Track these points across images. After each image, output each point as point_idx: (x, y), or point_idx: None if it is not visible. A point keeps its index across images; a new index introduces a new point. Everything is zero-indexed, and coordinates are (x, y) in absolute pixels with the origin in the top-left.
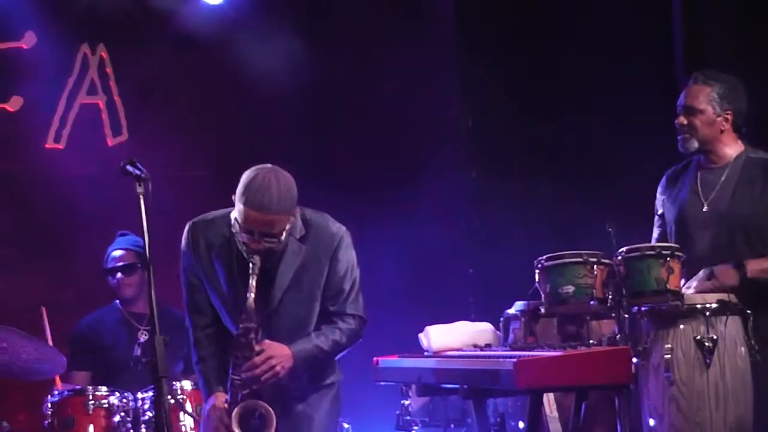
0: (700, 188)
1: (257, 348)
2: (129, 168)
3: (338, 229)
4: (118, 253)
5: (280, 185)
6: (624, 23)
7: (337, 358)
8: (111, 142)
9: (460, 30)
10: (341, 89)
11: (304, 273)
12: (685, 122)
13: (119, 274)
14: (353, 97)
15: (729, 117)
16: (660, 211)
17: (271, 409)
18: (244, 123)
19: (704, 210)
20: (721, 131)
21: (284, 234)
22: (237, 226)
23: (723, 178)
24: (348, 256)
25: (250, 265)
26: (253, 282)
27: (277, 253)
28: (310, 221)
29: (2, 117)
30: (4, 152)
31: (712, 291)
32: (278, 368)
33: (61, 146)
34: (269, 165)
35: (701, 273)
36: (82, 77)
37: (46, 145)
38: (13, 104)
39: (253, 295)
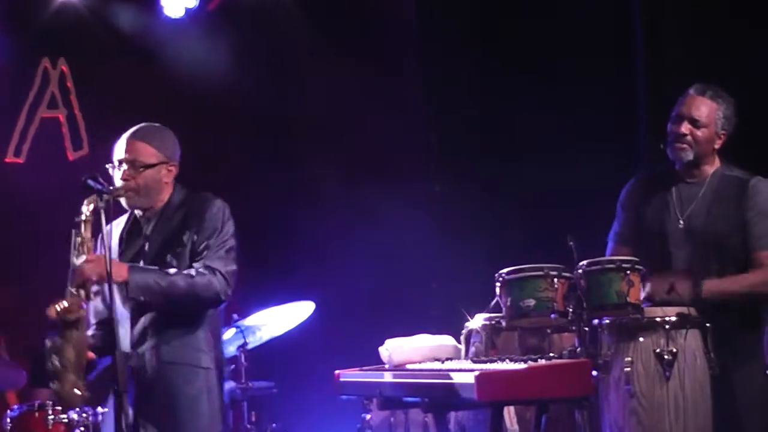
0: (676, 203)
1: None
2: (90, 182)
3: (214, 198)
4: None
5: (154, 125)
6: (586, 37)
7: (184, 305)
8: (72, 156)
9: (423, 45)
10: (304, 105)
11: (176, 235)
12: (688, 132)
13: None
14: (317, 114)
15: (723, 138)
16: (623, 217)
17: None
18: (205, 137)
19: (680, 226)
20: (714, 150)
21: (147, 178)
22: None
23: (700, 195)
24: (218, 215)
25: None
26: (115, 185)
27: (137, 203)
28: (191, 194)
29: None
30: None
31: (670, 303)
32: (102, 268)
33: (21, 160)
34: None
35: (662, 285)
36: (43, 91)
37: (6, 159)
38: None
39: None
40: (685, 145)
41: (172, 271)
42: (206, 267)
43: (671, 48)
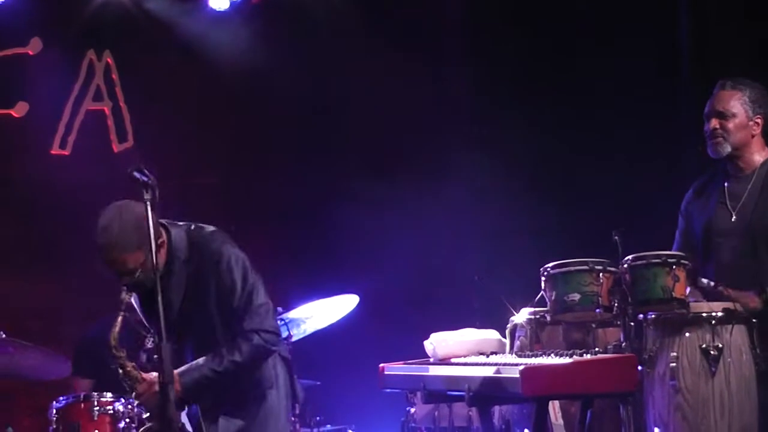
0: (728, 198)
1: (142, 377)
2: (136, 174)
3: (218, 246)
4: None
5: (122, 222)
6: (634, 37)
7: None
8: (117, 148)
9: (470, 42)
10: (348, 99)
11: (194, 292)
12: (718, 126)
13: None
14: (361, 108)
15: (759, 122)
16: (683, 225)
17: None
18: (249, 129)
19: (732, 220)
20: (752, 136)
21: (146, 265)
22: None
23: (749, 186)
24: (231, 270)
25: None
26: (119, 318)
27: (148, 283)
28: (193, 242)
29: (8, 123)
30: (10, 158)
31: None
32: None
33: (66, 152)
34: (120, 201)
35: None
36: (88, 83)
37: (52, 151)
38: (19, 110)
39: (117, 329)
40: (719, 139)
41: (217, 361)
42: (246, 332)
43: (716, 51)
